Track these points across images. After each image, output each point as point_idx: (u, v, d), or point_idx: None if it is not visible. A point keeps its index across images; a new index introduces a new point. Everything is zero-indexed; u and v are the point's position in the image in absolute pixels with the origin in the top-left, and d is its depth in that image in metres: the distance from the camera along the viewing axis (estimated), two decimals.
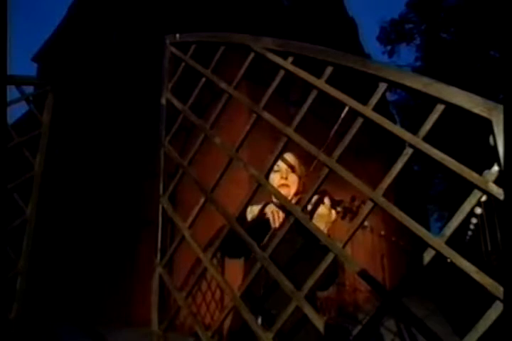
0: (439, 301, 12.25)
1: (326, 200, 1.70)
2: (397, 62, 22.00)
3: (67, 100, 11.29)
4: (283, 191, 1.90)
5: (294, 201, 1.87)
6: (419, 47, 22.04)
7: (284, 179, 1.94)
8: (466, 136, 16.83)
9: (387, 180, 0.81)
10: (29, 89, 2.10)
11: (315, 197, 1.68)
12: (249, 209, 1.92)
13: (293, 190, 1.91)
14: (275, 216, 1.82)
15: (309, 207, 1.67)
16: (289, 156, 1.99)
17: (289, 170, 1.95)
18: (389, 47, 22.58)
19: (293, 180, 1.93)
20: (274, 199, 2.00)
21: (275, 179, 1.96)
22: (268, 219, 1.85)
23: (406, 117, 23.45)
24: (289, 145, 1.03)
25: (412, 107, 21.78)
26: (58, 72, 14.08)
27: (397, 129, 0.82)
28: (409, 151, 0.80)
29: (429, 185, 28.64)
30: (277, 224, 1.80)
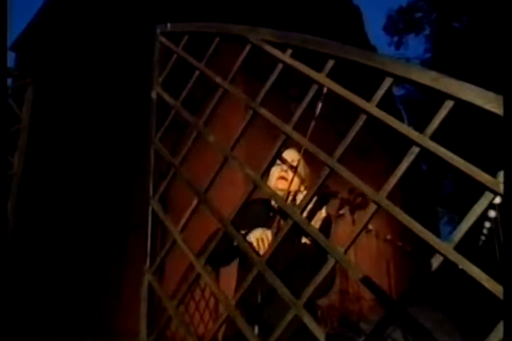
0: (449, 310, 12.28)
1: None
2: (404, 54, 21.99)
3: (49, 94, 11.26)
4: (281, 184, 1.92)
5: (290, 198, 1.90)
6: (428, 37, 22.00)
7: (284, 172, 1.97)
8: (478, 133, 16.82)
9: (392, 181, 0.81)
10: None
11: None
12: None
13: (292, 186, 1.91)
14: (260, 244, 1.81)
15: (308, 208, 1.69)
16: (291, 152, 2.01)
17: (292, 164, 1.96)
18: (396, 38, 22.57)
19: (293, 175, 1.94)
20: (273, 202, 2.02)
21: (275, 172, 1.99)
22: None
23: (414, 113, 23.43)
24: (292, 142, 1.04)
25: (420, 102, 21.73)
26: (39, 63, 14.02)
27: (402, 127, 0.83)
28: (415, 150, 0.81)
29: (438, 186, 28.63)
30: (261, 252, 1.79)
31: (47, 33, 14.18)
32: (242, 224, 1.89)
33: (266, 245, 1.79)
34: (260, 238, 1.81)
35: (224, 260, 2.00)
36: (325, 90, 1.02)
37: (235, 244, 1.84)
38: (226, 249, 1.86)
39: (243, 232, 1.86)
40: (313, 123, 1.44)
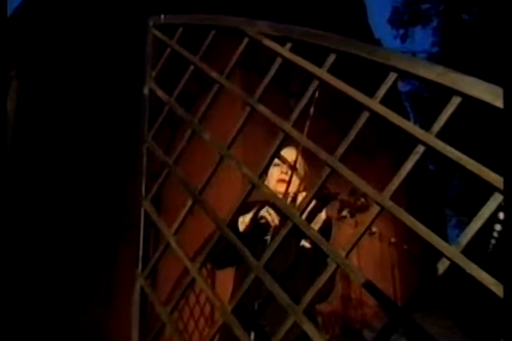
0: (457, 317, 12.27)
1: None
2: (410, 48, 21.87)
3: (35, 88, 11.24)
4: (281, 187, 1.92)
5: (290, 199, 1.89)
6: (436, 30, 21.89)
7: (284, 174, 1.96)
8: (488, 131, 16.77)
9: (396, 182, 0.82)
10: None
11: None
12: (240, 219, 1.90)
13: (292, 187, 1.91)
14: (272, 215, 1.83)
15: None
16: (291, 151, 1.99)
17: (291, 164, 1.95)
18: (402, 31, 22.45)
19: (293, 177, 1.93)
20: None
21: (274, 173, 1.99)
22: (264, 223, 1.85)
23: (420, 110, 23.35)
24: (292, 140, 1.04)
25: (427, 99, 21.64)
26: (23, 55, 13.98)
27: (406, 124, 0.83)
28: (420, 149, 0.81)
29: (446, 187, 28.57)
30: (277, 221, 1.81)
31: (32, 23, 14.14)
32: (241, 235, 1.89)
33: (275, 217, 1.82)
34: (271, 211, 1.84)
35: (228, 256, 1.95)
36: (316, 94, 1.03)
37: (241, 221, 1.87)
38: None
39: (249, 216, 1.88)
40: (308, 122, 1.44)
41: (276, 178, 1.99)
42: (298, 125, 1.01)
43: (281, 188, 1.93)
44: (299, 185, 1.99)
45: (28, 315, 9.46)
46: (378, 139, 13.22)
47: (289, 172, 1.93)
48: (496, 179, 0.73)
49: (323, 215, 1.79)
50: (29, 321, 9.34)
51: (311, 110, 1.41)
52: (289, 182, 1.86)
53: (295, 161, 1.86)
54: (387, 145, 15.18)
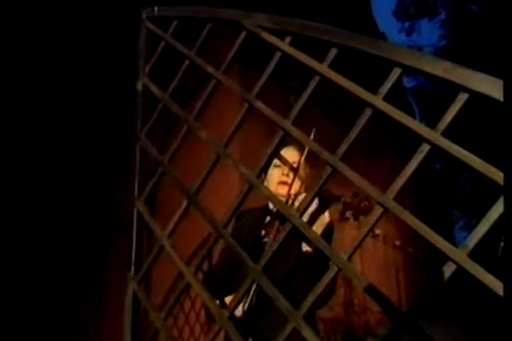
0: (465, 325, 12.24)
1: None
2: (416, 42, 21.75)
3: (20, 85, 11.21)
4: (283, 190, 1.90)
5: (290, 202, 1.88)
6: (443, 23, 21.78)
7: (285, 176, 1.95)
8: (497, 129, 16.71)
9: (400, 182, 0.82)
10: None
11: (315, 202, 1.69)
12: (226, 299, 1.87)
13: (293, 189, 1.90)
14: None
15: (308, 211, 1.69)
16: (292, 151, 1.98)
17: (292, 165, 1.93)
18: (407, 24, 22.36)
19: (295, 179, 1.91)
20: (271, 206, 2.02)
21: (275, 175, 1.97)
22: None
23: (426, 107, 23.24)
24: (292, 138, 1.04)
25: (433, 95, 21.52)
26: (8, 51, 13.94)
27: (411, 122, 0.83)
28: (425, 148, 0.80)
29: (453, 187, 28.49)
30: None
31: (18, 18, 14.09)
32: (235, 232, 1.89)
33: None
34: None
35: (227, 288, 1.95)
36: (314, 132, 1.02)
37: None
38: (227, 276, 1.87)
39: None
40: (314, 131, 1.44)
41: (276, 180, 1.97)
42: (303, 127, 1.01)
43: (282, 190, 1.91)
44: (300, 187, 1.97)
45: (16, 320, 9.43)
46: (381, 137, 13.19)
47: (291, 175, 1.92)
48: (503, 179, 0.73)
49: (326, 218, 1.78)
50: (17, 325, 9.30)
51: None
52: (290, 185, 1.85)
53: (296, 162, 1.84)
54: (391, 143, 15.16)
